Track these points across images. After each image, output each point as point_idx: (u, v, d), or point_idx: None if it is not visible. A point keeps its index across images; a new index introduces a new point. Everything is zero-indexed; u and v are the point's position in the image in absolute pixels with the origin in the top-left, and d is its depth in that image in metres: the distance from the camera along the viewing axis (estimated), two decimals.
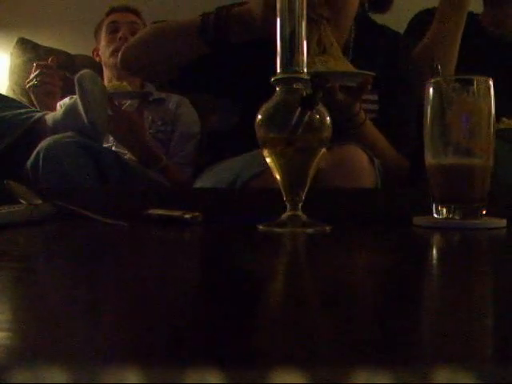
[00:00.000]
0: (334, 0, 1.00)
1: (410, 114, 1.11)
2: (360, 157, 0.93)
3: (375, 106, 1.11)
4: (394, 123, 1.08)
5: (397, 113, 1.10)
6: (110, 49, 1.54)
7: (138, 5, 1.64)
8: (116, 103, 1.35)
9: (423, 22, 1.28)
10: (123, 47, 1.12)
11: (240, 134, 0.93)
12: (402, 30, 1.33)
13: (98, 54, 1.62)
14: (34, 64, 1.39)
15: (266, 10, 0.89)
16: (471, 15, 1.34)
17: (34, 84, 1.39)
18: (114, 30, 1.55)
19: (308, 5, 0.97)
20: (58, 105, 1.46)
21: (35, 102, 1.42)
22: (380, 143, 1.06)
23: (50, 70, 1.39)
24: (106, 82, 1.54)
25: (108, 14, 1.58)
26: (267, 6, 0.88)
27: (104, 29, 1.57)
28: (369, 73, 0.95)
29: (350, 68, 0.96)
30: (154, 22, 1.19)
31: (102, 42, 1.58)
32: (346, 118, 1.00)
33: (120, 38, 1.52)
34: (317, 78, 0.54)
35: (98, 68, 1.55)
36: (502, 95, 0.64)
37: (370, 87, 0.95)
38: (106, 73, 1.59)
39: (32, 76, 1.40)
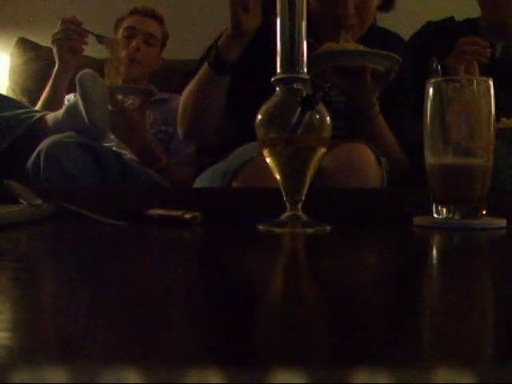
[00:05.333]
0: (363, 10, 1.06)
1: (405, 111, 1.12)
2: (367, 156, 0.93)
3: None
4: (389, 118, 1.09)
5: (392, 109, 1.10)
6: (122, 55, 1.54)
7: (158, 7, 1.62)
8: (120, 98, 1.35)
9: (426, 37, 1.30)
10: (180, 130, 1.16)
11: (240, 135, 0.93)
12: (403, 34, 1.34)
13: None
14: (60, 19, 1.39)
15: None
16: (468, 21, 1.35)
17: (59, 37, 1.38)
18: (129, 35, 1.54)
19: (342, 15, 1.02)
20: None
21: (56, 57, 1.40)
22: (387, 137, 1.07)
23: (76, 25, 1.39)
24: (110, 79, 1.54)
25: (130, 14, 1.58)
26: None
27: (121, 30, 1.57)
28: (397, 57, 0.95)
29: None
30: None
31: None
32: (365, 107, 1.01)
33: (133, 48, 1.52)
34: (317, 79, 0.54)
35: (98, 68, 1.55)
36: (500, 96, 0.64)
37: (393, 75, 0.96)
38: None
39: (58, 30, 1.40)
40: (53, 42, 1.40)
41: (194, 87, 1.08)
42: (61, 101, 1.44)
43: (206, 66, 1.04)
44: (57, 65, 1.41)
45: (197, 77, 1.07)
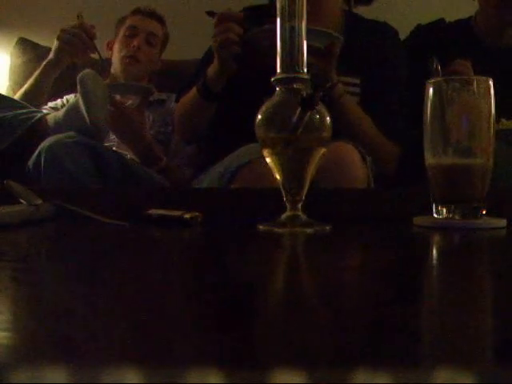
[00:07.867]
0: None
1: (394, 101, 1.12)
2: (351, 154, 0.92)
3: (357, 89, 1.11)
4: (376, 108, 1.08)
5: (380, 98, 1.10)
6: (122, 53, 1.53)
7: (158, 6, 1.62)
8: (118, 97, 1.34)
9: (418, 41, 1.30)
10: (176, 130, 1.29)
11: (239, 135, 0.93)
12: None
13: (111, 48, 1.61)
14: (80, 16, 1.35)
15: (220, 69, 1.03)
16: (459, 21, 1.35)
17: (66, 39, 1.34)
18: (131, 34, 1.54)
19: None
20: (60, 101, 1.46)
21: (52, 50, 1.37)
22: (362, 121, 1.06)
23: (90, 37, 1.36)
24: (110, 79, 1.54)
25: (132, 13, 1.57)
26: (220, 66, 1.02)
27: (123, 29, 1.56)
28: (336, 34, 0.95)
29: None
30: None
31: (118, 42, 1.57)
32: (323, 85, 1.00)
33: (134, 46, 1.52)
34: (317, 78, 0.54)
35: (98, 68, 1.55)
36: (500, 97, 0.64)
37: (337, 51, 0.96)
38: (113, 71, 1.58)
39: (70, 26, 1.35)
40: (58, 37, 1.36)
41: (187, 106, 1.16)
42: (42, 96, 1.40)
43: (195, 90, 1.11)
44: (50, 57, 1.38)
45: (191, 94, 1.13)
